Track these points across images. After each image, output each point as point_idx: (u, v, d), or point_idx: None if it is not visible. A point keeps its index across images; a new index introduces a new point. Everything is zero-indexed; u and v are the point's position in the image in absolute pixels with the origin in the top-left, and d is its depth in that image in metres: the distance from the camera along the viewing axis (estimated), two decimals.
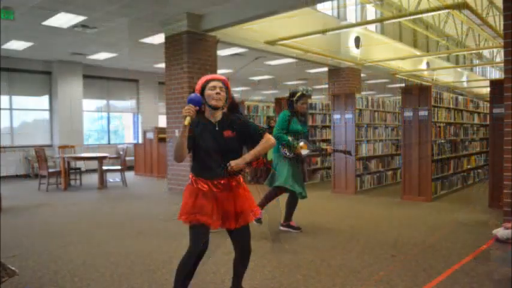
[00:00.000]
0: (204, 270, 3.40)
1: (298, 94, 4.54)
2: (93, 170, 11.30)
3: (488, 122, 7.62)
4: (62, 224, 5.32)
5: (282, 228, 4.82)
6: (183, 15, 7.62)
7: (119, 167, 9.31)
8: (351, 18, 12.13)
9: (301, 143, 4.58)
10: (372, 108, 8.05)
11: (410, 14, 8.18)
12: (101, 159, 8.77)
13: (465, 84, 19.41)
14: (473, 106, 8.68)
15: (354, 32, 11.40)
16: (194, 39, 7.82)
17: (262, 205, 4.64)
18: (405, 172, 6.81)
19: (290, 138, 4.49)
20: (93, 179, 10.18)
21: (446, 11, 8.98)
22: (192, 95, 2.29)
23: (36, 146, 9.86)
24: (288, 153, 4.51)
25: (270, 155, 4.78)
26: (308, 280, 3.18)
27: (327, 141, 9.06)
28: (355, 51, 11.45)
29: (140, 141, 12.97)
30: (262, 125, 9.50)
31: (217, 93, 2.37)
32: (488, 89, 6.23)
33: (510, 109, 4.62)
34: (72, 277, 3.32)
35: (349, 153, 4.93)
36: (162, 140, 10.65)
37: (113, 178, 10.41)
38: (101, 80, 13.18)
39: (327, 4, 11.15)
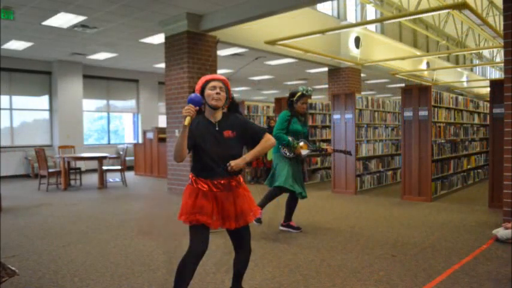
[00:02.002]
0: (204, 270, 3.41)
1: (298, 94, 4.53)
2: (93, 170, 11.31)
3: (488, 122, 7.62)
4: (62, 224, 5.32)
5: (282, 228, 4.82)
6: (183, 15, 7.63)
7: (118, 167, 9.31)
8: (351, 18, 12.13)
9: (301, 143, 4.58)
10: (372, 108, 8.05)
11: (410, 14, 8.18)
12: (100, 159, 8.77)
13: (465, 84, 19.42)
14: (473, 106, 8.68)
15: (354, 32, 11.40)
16: (194, 39, 7.82)
17: (263, 205, 4.63)
18: (405, 172, 6.81)
19: (290, 138, 4.49)
20: (93, 179, 10.19)
21: (446, 11, 8.99)
22: (192, 95, 2.29)
23: (36, 146, 9.87)
24: (288, 153, 4.51)
25: (270, 155, 4.78)
26: (308, 280, 3.18)
27: (327, 141, 9.07)
28: (355, 51, 11.45)
29: (140, 141, 12.98)
30: (262, 125, 9.51)
31: (217, 93, 2.37)
32: (488, 89, 6.23)
33: (510, 109, 4.62)
34: (72, 277, 3.32)
35: (349, 153, 4.93)
36: (162, 140, 10.65)
37: (112, 178, 10.42)
38: (101, 80, 13.18)
39: (327, 4, 11.16)
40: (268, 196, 4.65)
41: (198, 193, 2.38)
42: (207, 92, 2.39)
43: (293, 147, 4.47)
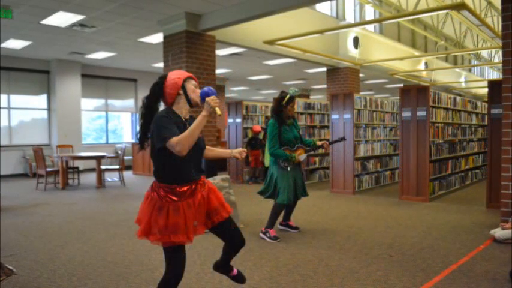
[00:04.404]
0: (202, 270, 3.41)
1: (287, 98, 4.36)
2: (91, 170, 11.29)
3: (486, 123, 7.64)
4: (59, 223, 5.31)
5: (280, 227, 4.82)
6: (181, 15, 7.62)
7: (117, 167, 9.29)
8: (350, 18, 12.14)
9: (298, 150, 4.47)
10: (370, 108, 8.06)
11: (409, 15, 8.19)
12: (99, 159, 8.76)
13: (463, 85, 19.45)
14: (471, 106, 8.69)
15: (353, 32, 11.41)
16: (193, 38, 7.82)
17: (272, 224, 4.45)
18: (403, 172, 6.81)
19: (287, 151, 4.36)
20: (91, 178, 10.18)
21: (445, 11, 9.00)
22: (206, 88, 2.28)
23: (34, 145, 9.85)
24: (288, 165, 4.41)
25: (267, 162, 4.70)
26: (306, 280, 3.18)
27: (326, 140, 9.06)
28: (353, 51, 11.46)
29: None
30: (261, 124, 9.48)
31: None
32: (487, 90, 6.24)
33: (508, 109, 4.64)
34: (70, 276, 3.32)
35: (343, 138, 4.96)
36: None
37: (111, 177, 10.40)
38: (100, 79, 13.16)
39: (326, 4, 11.17)
40: (273, 214, 4.47)
41: (168, 206, 2.36)
42: (191, 87, 2.37)
43: (292, 159, 4.36)
